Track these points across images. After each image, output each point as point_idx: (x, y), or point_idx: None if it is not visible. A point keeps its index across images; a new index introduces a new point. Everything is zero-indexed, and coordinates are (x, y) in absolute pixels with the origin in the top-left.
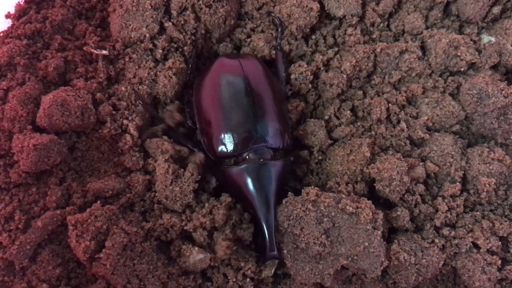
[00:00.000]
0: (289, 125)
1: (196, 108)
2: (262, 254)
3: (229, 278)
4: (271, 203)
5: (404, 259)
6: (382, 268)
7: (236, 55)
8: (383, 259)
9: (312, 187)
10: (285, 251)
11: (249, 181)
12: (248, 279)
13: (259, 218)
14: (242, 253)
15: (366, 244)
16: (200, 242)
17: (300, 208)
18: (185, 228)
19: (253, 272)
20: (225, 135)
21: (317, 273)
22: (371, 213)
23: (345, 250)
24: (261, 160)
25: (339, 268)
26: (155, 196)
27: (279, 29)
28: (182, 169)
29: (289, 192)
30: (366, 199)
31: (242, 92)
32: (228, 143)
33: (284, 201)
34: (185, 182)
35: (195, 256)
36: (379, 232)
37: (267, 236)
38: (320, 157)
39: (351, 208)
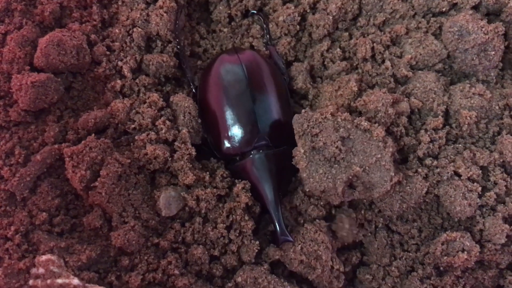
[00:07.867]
0: (291, 117)
1: (201, 108)
2: (275, 240)
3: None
4: (276, 191)
5: None
6: (391, 183)
7: (236, 49)
8: (393, 174)
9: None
10: (301, 151)
11: (253, 172)
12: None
13: (266, 206)
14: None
15: (379, 156)
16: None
17: (319, 115)
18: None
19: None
20: (228, 135)
21: (330, 177)
22: (383, 132)
23: (358, 160)
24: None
25: (351, 176)
26: (138, 126)
27: (265, 26)
28: None
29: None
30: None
31: (243, 90)
32: (231, 143)
33: (303, 111)
34: None
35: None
36: (390, 150)
37: (276, 223)
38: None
39: (365, 124)
